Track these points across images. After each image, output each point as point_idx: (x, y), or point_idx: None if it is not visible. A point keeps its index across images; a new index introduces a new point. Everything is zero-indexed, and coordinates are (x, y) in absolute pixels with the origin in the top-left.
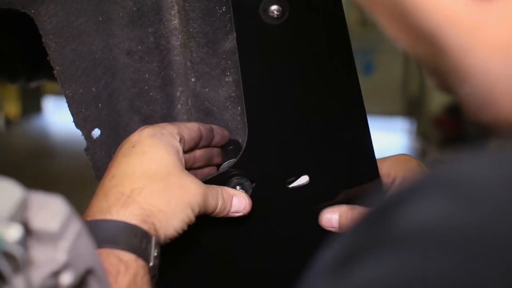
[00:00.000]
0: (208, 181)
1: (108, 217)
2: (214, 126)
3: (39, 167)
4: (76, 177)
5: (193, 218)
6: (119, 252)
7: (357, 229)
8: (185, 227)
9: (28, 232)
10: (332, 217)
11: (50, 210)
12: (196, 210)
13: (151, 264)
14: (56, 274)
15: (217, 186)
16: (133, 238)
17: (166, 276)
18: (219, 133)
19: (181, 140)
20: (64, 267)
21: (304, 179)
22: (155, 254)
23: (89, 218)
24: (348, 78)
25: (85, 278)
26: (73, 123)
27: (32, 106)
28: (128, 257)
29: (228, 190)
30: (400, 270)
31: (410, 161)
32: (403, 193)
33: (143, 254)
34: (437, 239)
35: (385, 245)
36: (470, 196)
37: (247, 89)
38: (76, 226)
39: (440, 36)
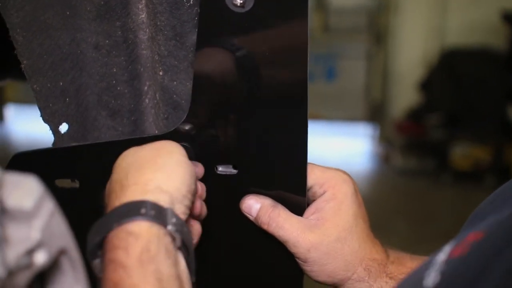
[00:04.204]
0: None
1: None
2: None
3: None
4: None
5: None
6: (127, 225)
7: None
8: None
9: (3, 210)
10: (254, 205)
11: (24, 189)
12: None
13: (168, 227)
14: (30, 252)
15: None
16: (140, 210)
17: None
18: None
19: None
20: (38, 245)
21: (233, 169)
22: (174, 220)
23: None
24: (298, 86)
25: (58, 258)
26: (40, 118)
27: None
28: (138, 227)
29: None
30: None
31: (348, 183)
32: None
33: (156, 220)
34: None
35: None
36: None
37: (198, 64)
38: (49, 205)
39: None
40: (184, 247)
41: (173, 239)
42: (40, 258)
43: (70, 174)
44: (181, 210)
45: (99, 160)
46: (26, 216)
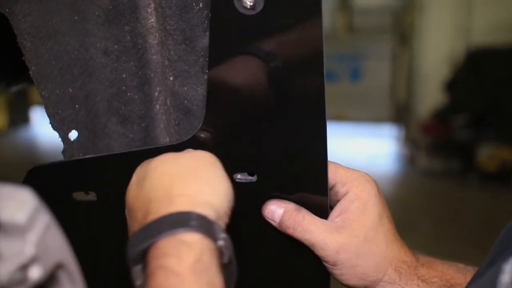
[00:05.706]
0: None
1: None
2: None
3: None
4: None
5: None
6: (180, 235)
7: None
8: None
9: None
10: (277, 210)
11: (18, 202)
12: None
13: (219, 242)
14: (24, 267)
15: None
16: (190, 222)
17: None
18: None
19: None
20: (33, 260)
21: (252, 176)
22: (222, 236)
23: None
24: (315, 88)
25: (55, 272)
26: (50, 125)
27: (19, 117)
28: (190, 237)
29: None
30: None
31: (371, 184)
32: None
33: (207, 233)
34: None
35: None
36: None
37: (211, 69)
38: (44, 218)
39: None
40: (230, 264)
41: (221, 254)
42: (35, 273)
43: (86, 186)
44: (222, 227)
45: (115, 172)
46: (20, 230)
